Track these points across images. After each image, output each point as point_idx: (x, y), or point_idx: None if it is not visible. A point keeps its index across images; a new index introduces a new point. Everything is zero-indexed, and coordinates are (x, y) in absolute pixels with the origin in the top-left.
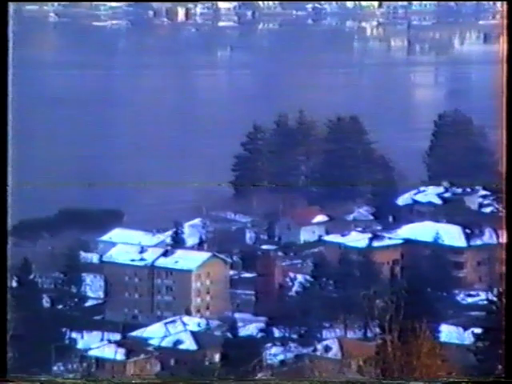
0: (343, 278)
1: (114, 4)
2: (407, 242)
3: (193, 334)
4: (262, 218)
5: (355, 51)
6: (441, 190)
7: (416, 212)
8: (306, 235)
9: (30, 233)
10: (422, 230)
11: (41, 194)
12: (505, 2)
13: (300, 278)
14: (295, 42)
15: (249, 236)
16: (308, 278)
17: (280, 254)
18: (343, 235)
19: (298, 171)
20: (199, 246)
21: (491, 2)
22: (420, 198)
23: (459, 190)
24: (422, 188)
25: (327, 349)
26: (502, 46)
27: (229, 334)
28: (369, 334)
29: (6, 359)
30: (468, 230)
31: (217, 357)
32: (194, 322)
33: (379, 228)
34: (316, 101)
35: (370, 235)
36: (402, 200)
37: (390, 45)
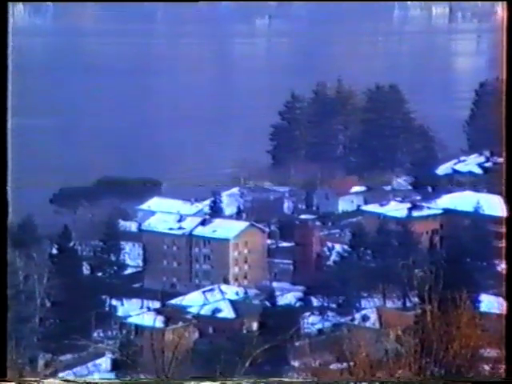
0: (382, 247)
1: None
2: (447, 211)
3: (231, 302)
4: (299, 188)
5: (395, 19)
6: (481, 159)
7: (456, 182)
8: (344, 205)
9: (69, 201)
10: (462, 200)
11: (80, 163)
12: (505, 2)
13: (338, 247)
14: (334, 11)
15: (287, 205)
16: (346, 247)
17: (318, 223)
18: (382, 205)
19: (336, 141)
20: (237, 215)
21: None
22: (460, 167)
23: (500, 160)
24: (462, 158)
25: (365, 318)
26: None
27: (267, 303)
28: (407, 304)
29: (5, 359)
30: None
31: (254, 325)
32: (232, 291)
33: (418, 198)
34: (355, 69)
35: (409, 205)
36: (442, 170)
37: (431, 13)
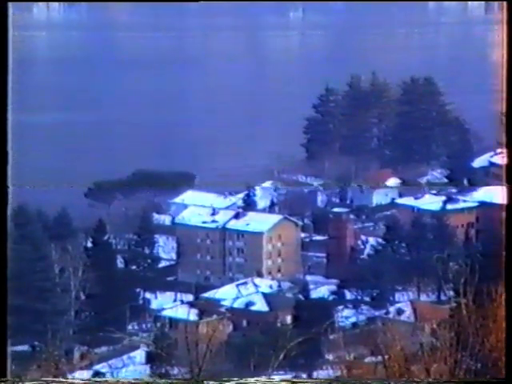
0: (416, 240)
1: None
2: (482, 204)
3: (264, 295)
4: (333, 181)
5: (430, 10)
6: None
7: (492, 174)
8: (378, 198)
9: (104, 195)
10: (498, 193)
11: (115, 157)
12: (505, 2)
13: (372, 240)
14: (369, 3)
15: (320, 199)
16: (380, 240)
17: (352, 216)
18: (416, 198)
19: (370, 134)
20: (270, 208)
21: None
22: (496, 160)
23: None
24: (498, 150)
25: (400, 312)
26: None
27: (300, 296)
28: (442, 298)
29: (6, 359)
30: None
31: (288, 318)
32: (265, 284)
33: (454, 191)
34: (389, 62)
35: (444, 198)
36: (478, 162)
37: (467, 3)
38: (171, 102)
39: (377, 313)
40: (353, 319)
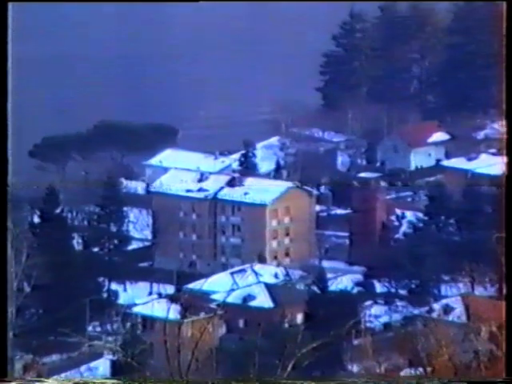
0: (469, 215)
1: None
2: None
3: (268, 287)
4: (359, 137)
5: None
6: None
7: None
8: (418, 159)
9: (56, 154)
10: None
11: (71, 103)
12: (505, 2)
13: (410, 215)
14: None
15: (341, 160)
16: (421, 215)
17: (383, 184)
18: (470, 159)
19: (408, 74)
20: (276, 173)
21: None
22: None
23: None
24: None
25: (447, 309)
26: None
27: (315, 288)
28: (504, 291)
29: (6, 359)
30: None
31: (299, 317)
32: (269, 272)
33: None
34: None
35: (506, 159)
36: None
37: None
38: (150, 36)
39: (417, 311)
40: (385, 319)
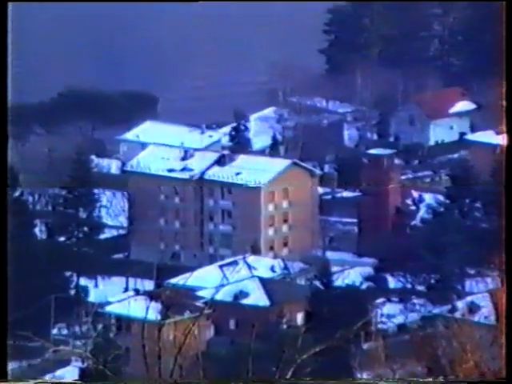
0: (499, 198)
1: None
2: None
3: (263, 282)
4: (369, 107)
5: None
6: None
7: None
8: (439, 133)
9: (14, 127)
10: None
11: (34, 67)
12: (504, 2)
13: (429, 198)
14: None
15: (348, 134)
16: (441, 198)
17: (398, 161)
18: (499, 132)
19: (428, 32)
20: (272, 149)
21: None
22: None
23: None
24: None
25: (473, 308)
26: None
27: (318, 284)
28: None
29: (6, 359)
30: None
31: (299, 317)
32: (264, 265)
33: None
34: None
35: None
36: None
37: None
38: None
39: (437, 310)
40: (399, 319)
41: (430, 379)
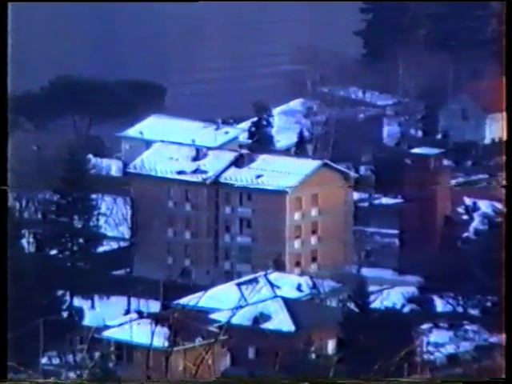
0: None
1: None
2: None
3: (288, 303)
4: (413, 99)
5: None
6: None
7: None
8: (496, 129)
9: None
10: None
11: (21, 55)
12: (504, 2)
13: (484, 206)
14: None
15: (389, 131)
16: (500, 206)
17: (447, 163)
18: None
19: (484, 11)
20: (298, 148)
21: None
22: None
23: None
24: None
25: None
26: None
27: (352, 306)
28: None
29: (6, 360)
30: None
31: (330, 345)
32: (289, 283)
33: None
34: None
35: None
36: None
37: None
38: None
39: (494, 338)
40: (449, 349)
41: (428, 378)
